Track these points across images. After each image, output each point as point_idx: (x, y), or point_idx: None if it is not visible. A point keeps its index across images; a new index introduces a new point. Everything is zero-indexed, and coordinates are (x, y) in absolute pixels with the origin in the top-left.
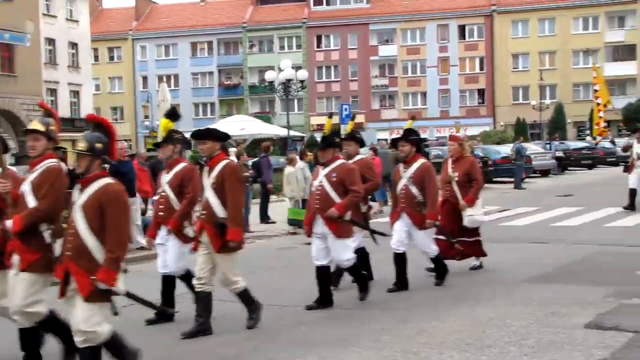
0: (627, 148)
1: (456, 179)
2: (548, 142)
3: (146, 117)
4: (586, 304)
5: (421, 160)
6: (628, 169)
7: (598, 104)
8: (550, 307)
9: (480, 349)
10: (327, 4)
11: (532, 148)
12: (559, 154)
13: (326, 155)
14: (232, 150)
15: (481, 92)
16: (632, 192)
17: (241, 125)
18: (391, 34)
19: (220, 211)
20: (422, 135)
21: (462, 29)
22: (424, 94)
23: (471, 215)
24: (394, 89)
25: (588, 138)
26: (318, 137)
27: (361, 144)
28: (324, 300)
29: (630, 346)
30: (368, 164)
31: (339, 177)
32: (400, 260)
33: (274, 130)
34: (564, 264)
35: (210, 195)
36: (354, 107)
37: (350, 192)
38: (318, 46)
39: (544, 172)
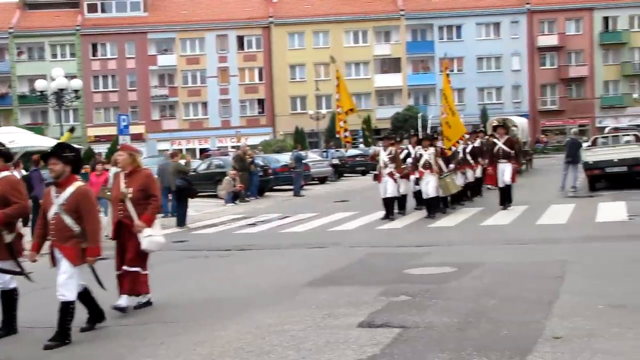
0: (375, 156)
1: (130, 195)
2: (325, 150)
3: None
4: (360, 304)
5: (77, 184)
6: (377, 177)
7: (339, 113)
8: (328, 309)
9: (260, 356)
10: (103, 11)
11: (311, 156)
12: (335, 161)
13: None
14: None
15: (261, 102)
16: (388, 202)
17: (10, 138)
18: (170, 43)
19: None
20: (203, 145)
21: (240, 39)
22: (204, 104)
23: (150, 236)
24: (175, 99)
25: (361, 146)
26: (97, 149)
27: (6, 158)
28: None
29: (398, 341)
30: (12, 182)
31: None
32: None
33: (48, 142)
34: (341, 267)
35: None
36: (134, 118)
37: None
38: (94, 55)
39: (322, 179)
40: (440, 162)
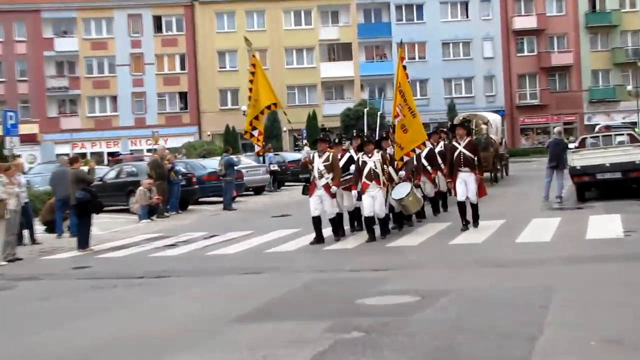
0: (307, 164)
1: None
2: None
3: None
4: (303, 342)
5: None
6: (307, 190)
7: (250, 107)
8: (262, 350)
9: None
10: None
11: (244, 161)
12: (274, 167)
13: None
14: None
15: (183, 96)
16: (316, 221)
17: None
18: (70, 24)
19: None
20: (112, 149)
21: (157, 20)
22: (113, 98)
23: None
24: (76, 92)
25: (306, 149)
26: None
27: None
28: None
29: None
30: None
31: None
32: None
33: None
34: (279, 296)
35: None
36: (24, 115)
37: None
38: None
39: (258, 189)
40: (391, 171)
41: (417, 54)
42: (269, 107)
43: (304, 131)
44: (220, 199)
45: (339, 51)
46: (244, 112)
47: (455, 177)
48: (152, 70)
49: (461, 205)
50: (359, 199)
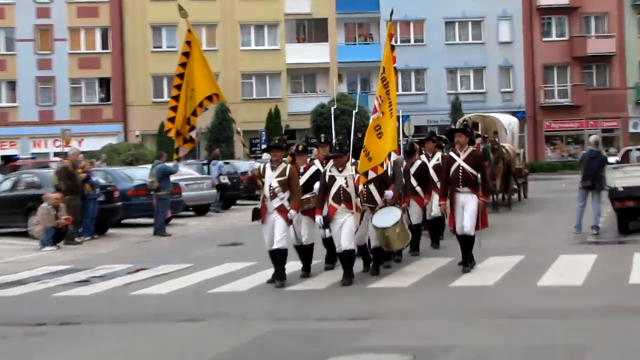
0: (254, 179)
1: None
2: (207, 161)
3: None
4: None
5: None
6: (258, 214)
7: (173, 101)
8: None
9: None
10: None
11: (183, 171)
12: (224, 180)
13: None
14: None
15: (105, 83)
16: (274, 255)
17: None
18: None
19: None
20: (8, 151)
21: None
22: (11, 84)
23: None
24: None
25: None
26: None
27: None
28: None
29: None
30: None
31: None
32: None
33: None
34: (225, 352)
35: None
36: None
37: None
38: None
39: (201, 209)
40: (373, 191)
41: (413, 35)
42: (209, 98)
43: (263, 133)
44: (151, 220)
45: (311, 29)
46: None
47: (452, 200)
48: (63, 48)
49: (460, 238)
50: (325, 226)
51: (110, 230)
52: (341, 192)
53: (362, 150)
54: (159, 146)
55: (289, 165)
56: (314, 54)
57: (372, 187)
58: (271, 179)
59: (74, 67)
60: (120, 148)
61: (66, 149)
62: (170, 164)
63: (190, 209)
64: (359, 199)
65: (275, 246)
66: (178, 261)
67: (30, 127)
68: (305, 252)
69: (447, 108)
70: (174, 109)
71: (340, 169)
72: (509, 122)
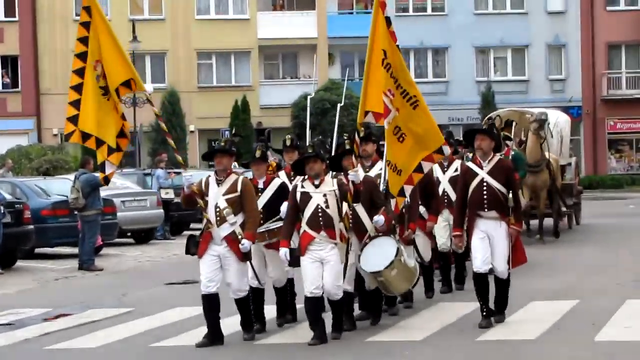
0: (192, 197)
1: None
2: (148, 170)
3: None
4: None
5: None
6: (196, 245)
7: (74, 90)
8: None
9: None
10: None
11: (118, 184)
12: (167, 195)
13: None
14: None
15: (9, 64)
16: (211, 303)
17: None
18: None
19: None
20: None
21: None
22: None
23: None
24: None
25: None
26: None
27: None
28: None
29: None
30: None
31: None
32: None
33: None
34: None
35: None
36: None
37: None
38: None
39: (143, 235)
40: (361, 212)
41: (430, 2)
42: (127, 85)
43: (226, 133)
44: (75, 249)
45: None
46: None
47: (471, 228)
48: None
49: (480, 280)
50: (294, 263)
51: (20, 263)
52: (320, 214)
53: (387, 165)
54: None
55: (241, 178)
56: (295, 27)
57: (360, 208)
58: (217, 197)
59: None
60: (33, 152)
61: None
62: (98, 174)
63: (128, 234)
64: (342, 224)
65: (232, 296)
66: (112, 304)
67: None
68: (255, 300)
69: (475, 101)
70: (76, 104)
71: (316, 182)
72: (555, 120)
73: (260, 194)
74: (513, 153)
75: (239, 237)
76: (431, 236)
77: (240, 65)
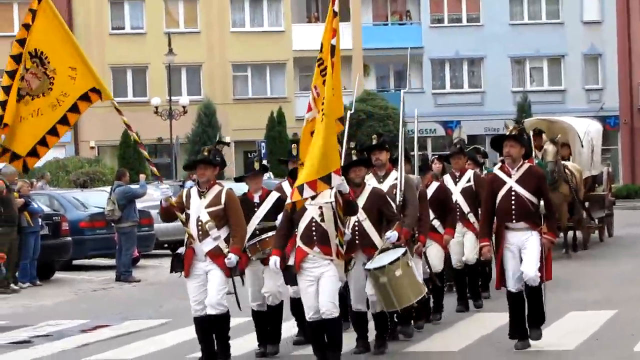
0: (171, 210)
1: None
2: (182, 182)
3: None
4: None
5: None
6: (181, 263)
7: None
8: None
9: None
10: None
11: (155, 195)
12: None
13: None
14: None
15: None
16: (204, 325)
17: None
18: None
19: None
20: None
21: None
22: None
23: None
24: None
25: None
26: None
27: None
28: None
29: None
30: None
31: None
32: None
33: None
34: None
35: None
36: None
37: None
38: None
39: (178, 247)
40: (368, 227)
41: (465, 12)
42: (86, 98)
43: (263, 144)
44: (112, 261)
45: (327, 5)
46: (157, 109)
47: (500, 241)
48: None
49: (514, 300)
50: (289, 280)
51: (58, 275)
52: (314, 228)
53: (297, 162)
54: (121, 162)
55: (225, 189)
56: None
57: (367, 223)
58: (199, 210)
59: (6, 55)
60: (70, 164)
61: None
62: (135, 186)
63: (165, 245)
64: (338, 239)
65: (208, 311)
66: (149, 316)
67: None
68: (271, 316)
69: (511, 111)
70: (2, 105)
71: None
72: (586, 129)
73: (256, 209)
74: (537, 162)
75: (225, 251)
76: (446, 249)
77: (275, 77)
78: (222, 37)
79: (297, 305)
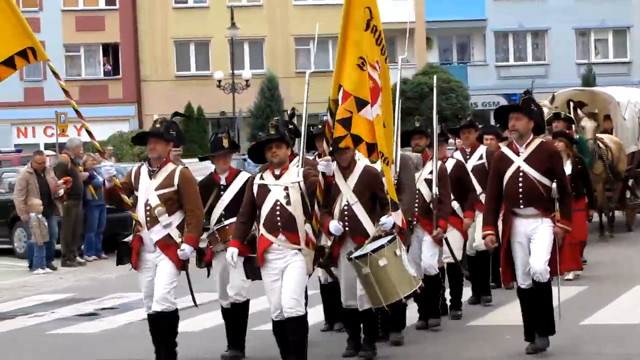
0: (115, 191)
1: None
2: (246, 156)
3: None
4: None
5: None
6: (128, 254)
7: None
8: None
9: None
10: None
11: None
12: None
13: None
14: None
15: (110, 51)
16: (157, 323)
17: None
18: None
19: None
20: None
21: None
22: None
23: None
24: None
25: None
26: None
27: None
28: None
29: None
30: None
31: None
32: None
33: None
34: None
35: None
36: None
37: None
38: None
39: None
40: (359, 213)
41: None
42: (23, 55)
43: (324, 117)
44: None
45: None
46: (220, 82)
47: (506, 230)
48: (55, 4)
49: (524, 296)
50: (251, 273)
51: None
52: (278, 212)
53: (381, 160)
54: (185, 135)
55: (179, 168)
56: (392, 11)
57: (357, 207)
58: (148, 192)
59: (69, 30)
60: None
61: (62, 140)
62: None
63: None
64: (309, 225)
65: (153, 307)
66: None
67: (13, 109)
68: (236, 315)
69: (576, 83)
70: None
71: (277, 172)
72: (628, 99)
73: (222, 192)
74: (578, 136)
75: (177, 240)
76: (466, 235)
77: (324, 50)
78: (284, 11)
79: (327, 292)
